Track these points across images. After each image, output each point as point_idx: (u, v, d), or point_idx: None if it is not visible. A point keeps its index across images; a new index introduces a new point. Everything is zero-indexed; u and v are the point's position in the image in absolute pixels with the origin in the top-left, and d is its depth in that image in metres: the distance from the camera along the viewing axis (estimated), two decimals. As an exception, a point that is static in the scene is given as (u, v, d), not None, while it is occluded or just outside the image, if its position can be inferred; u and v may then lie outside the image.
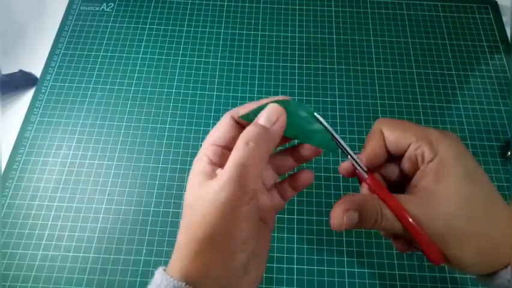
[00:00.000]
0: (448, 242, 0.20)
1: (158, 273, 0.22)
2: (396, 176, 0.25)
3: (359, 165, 0.23)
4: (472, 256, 0.21)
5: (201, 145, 0.40)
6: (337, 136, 0.23)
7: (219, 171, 0.22)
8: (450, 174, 0.21)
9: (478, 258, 0.21)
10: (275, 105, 0.22)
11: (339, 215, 0.21)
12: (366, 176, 0.23)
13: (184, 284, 0.20)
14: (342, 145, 0.23)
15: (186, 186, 0.23)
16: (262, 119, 0.22)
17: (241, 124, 0.24)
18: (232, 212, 0.20)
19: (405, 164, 0.23)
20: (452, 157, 0.21)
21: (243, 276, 0.22)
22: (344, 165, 0.25)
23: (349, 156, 0.24)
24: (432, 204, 0.20)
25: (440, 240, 0.20)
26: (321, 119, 0.23)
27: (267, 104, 0.23)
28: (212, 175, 0.22)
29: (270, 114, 0.22)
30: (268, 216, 0.24)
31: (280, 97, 0.24)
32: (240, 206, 0.20)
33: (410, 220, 0.20)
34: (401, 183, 0.25)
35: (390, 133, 0.23)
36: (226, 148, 0.23)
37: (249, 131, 0.21)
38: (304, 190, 0.38)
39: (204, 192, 0.21)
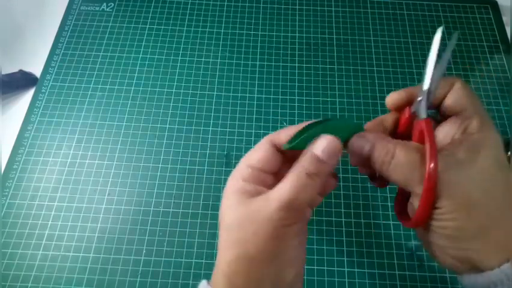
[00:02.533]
0: (454, 211, 0.20)
1: (203, 285, 0.23)
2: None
3: (426, 103, 0.22)
4: (473, 227, 0.20)
5: (200, 145, 0.41)
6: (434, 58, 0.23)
7: (273, 191, 0.22)
8: (486, 154, 0.21)
9: (477, 233, 0.20)
10: (335, 140, 0.22)
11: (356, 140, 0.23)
12: (424, 115, 0.22)
13: None
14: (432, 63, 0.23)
15: (223, 204, 0.23)
16: (320, 151, 0.22)
17: (276, 149, 0.24)
18: (285, 230, 0.21)
19: (447, 124, 0.23)
20: (494, 144, 0.21)
21: None
22: (395, 97, 0.25)
23: (426, 85, 0.23)
24: (457, 168, 0.20)
25: (448, 208, 0.20)
26: None
27: (311, 129, 0.23)
28: (254, 193, 0.22)
29: (331, 149, 0.22)
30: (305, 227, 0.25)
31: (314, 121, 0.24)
32: (293, 225, 0.21)
33: (435, 175, 0.20)
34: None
35: (461, 89, 0.23)
36: (262, 170, 0.23)
37: (310, 164, 0.22)
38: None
39: (254, 209, 0.21)
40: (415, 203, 0.22)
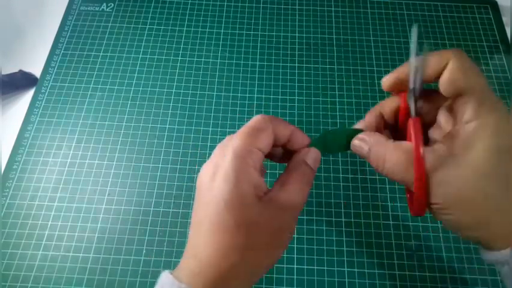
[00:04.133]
0: (451, 205, 0.20)
1: (166, 277, 0.22)
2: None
3: (414, 103, 0.22)
4: (469, 221, 0.20)
5: (200, 145, 0.41)
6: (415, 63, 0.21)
7: (283, 196, 0.22)
8: (484, 145, 0.19)
9: (476, 226, 0.20)
10: (318, 153, 0.25)
11: (357, 140, 0.24)
12: (413, 113, 0.22)
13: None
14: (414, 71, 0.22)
15: (219, 177, 0.21)
16: (311, 161, 0.24)
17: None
18: (289, 229, 0.23)
19: (443, 112, 0.22)
20: (494, 129, 0.19)
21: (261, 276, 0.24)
22: (391, 78, 0.24)
23: (412, 75, 0.22)
24: (448, 165, 0.20)
25: (443, 201, 0.20)
26: None
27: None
28: (256, 183, 0.22)
29: (318, 160, 0.25)
30: None
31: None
32: (295, 222, 0.23)
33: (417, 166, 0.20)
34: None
35: (455, 68, 0.21)
36: (263, 151, 0.23)
37: (309, 172, 0.24)
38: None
39: (267, 218, 0.21)
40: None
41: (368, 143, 0.24)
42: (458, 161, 0.20)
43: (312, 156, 0.24)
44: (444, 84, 0.21)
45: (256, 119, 0.23)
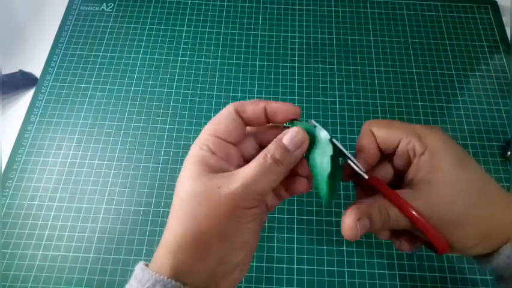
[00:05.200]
0: (450, 228, 0.21)
1: (140, 268, 0.21)
2: (390, 176, 0.25)
3: (358, 167, 0.23)
4: (474, 237, 0.21)
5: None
6: (335, 141, 0.23)
7: (237, 170, 0.21)
8: (442, 163, 0.22)
9: (478, 239, 0.22)
10: (302, 130, 0.23)
11: (352, 226, 0.21)
12: (366, 176, 0.23)
13: (166, 277, 0.20)
14: (340, 148, 0.23)
15: (180, 176, 0.22)
16: (287, 140, 0.22)
17: (242, 118, 0.24)
18: (242, 211, 0.21)
19: (398, 160, 0.24)
20: (442, 147, 0.22)
21: (230, 274, 0.22)
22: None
23: (348, 160, 0.23)
24: (430, 194, 0.21)
25: (442, 227, 0.21)
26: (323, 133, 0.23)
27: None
28: (215, 168, 0.22)
29: (297, 140, 0.22)
30: (264, 215, 0.25)
31: (294, 108, 0.24)
32: (251, 208, 0.21)
33: (414, 213, 0.21)
34: (396, 182, 0.25)
35: (380, 132, 0.24)
36: (226, 140, 0.23)
37: (276, 150, 0.22)
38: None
39: (214, 185, 0.21)
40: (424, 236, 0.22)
41: (364, 217, 0.22)
42: (434, 186, 0.21)
43: (289, 133, 0.22)
44: (383, 147, 0.24)
45: (221, 110, 0.24)
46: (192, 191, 0.21)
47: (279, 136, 0.23)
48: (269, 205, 0.25)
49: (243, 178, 0.21)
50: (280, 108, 0.23)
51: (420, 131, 0.23)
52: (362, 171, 0.23)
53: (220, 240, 0.21)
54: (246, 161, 0.24)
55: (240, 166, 0.22)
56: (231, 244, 0.21)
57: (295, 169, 0.24)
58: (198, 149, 0.22)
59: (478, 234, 0.21)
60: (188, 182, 0.21)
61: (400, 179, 0.25)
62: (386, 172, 0.25)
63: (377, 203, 0.22)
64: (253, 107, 0.23)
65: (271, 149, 0.22)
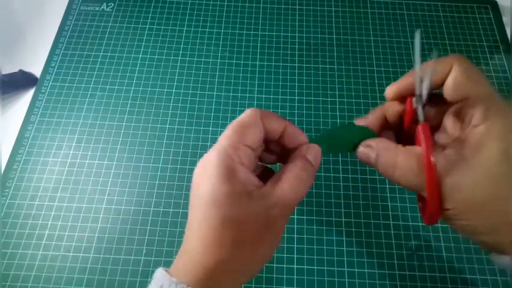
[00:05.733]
0: (463, 209, 0.20)
1: (160, 273, 0.22)
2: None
3: (421, 108, 0.22)
4: (483, 227, 0.20)
5: (200, 145, 0.41)
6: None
7: (273, 191, 0.22)
8: (494, 148, 0.19)
9: (489, 229, 0.20)
10: (319, 148, 0.24)
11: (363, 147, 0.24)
12: (421, 118, 0.22)
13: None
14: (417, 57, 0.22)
15: (210, 182, 0.21)
16: (312, 157, 0.23)
17: (265, 129, 0.24)
18: (280, 226, 0.22)
19: (449, 116, 0.22)
20: (504, 131, 0.19)
21: (256, 269, 0.23)
22: (395, 88, 0.24)
23: (418, 82, 0.22)
24: (461, 171, 0.20)
25: (454, 206, 0.20)
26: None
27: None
28: (244, 181, 0.21)
29: (318, 156, 0.24)
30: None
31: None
32: (287, 219, 0.23)
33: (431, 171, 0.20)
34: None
35: (459, 73, 0.21)
36: (251, 148, 0.23)
37: (309, 168, 0.23)
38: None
39: (254, 210, 0.21)
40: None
41: (375, 149, 0.23)
42: (469, 165, 0.20)
43: (313, 151, 0.24)
44: (448, 89, 0.22)
45: (245, 113, 0.23)
46: (229, 216, 0.20)
47: (303, 153, 0.24)
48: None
49: (283, 203, 0.21)
50: (296, 134, 0.24)
51: (494, 104, 0.20)
52: (421, 114, 0.22)
53: (253, 248, 0.22)
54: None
55: (254, 167, 0.23)
56: (263, 252, 0.22)
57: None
58: (228, 158, 0.21)
59: (489, 226, 0.20)
60: (223, 201, 0.20)
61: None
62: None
63: (391, 149, 0.22)
64: (276, 122, 0.24)
65: (305, 166, 0.23)
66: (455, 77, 0.21)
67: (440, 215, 0.21)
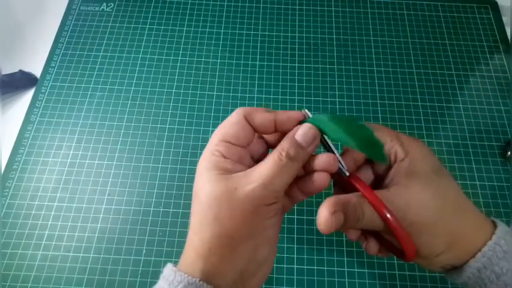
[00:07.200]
0: (420, 230, 0.22)
1: (170, 270, 0.22)
2: (370, 179, 0.26)
3: (342, 165, 0.24)
4: (441, 243, 0.22)
5: (200, 145, 0.41)
6: (326, 137, 0.24)
7: (253, 169, 0.22)
8: (420, 170, 0.23)
9: (445, 246, 0.22)
10: (313, 126, 0.23)
11: (327, 218, 0.21)
12: (347, 173, 0.24)
13: (198, 280, 0.20)
14: (329, 144, 0.24)
15: (197, 182, 0.23)
16: (300, 137, 0.23)
17: (250, 125, 0.24)
18: (264, 208, 0.21)
19: (379, 165, 0.25)
20: (421, 156, 0.24)
21: (258, 271, 0.23)
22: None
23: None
24: (405, 196, 0.22)
25: (412, 229, 0.22)
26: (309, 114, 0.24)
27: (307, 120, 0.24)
28: (231, 170, 0.22)
29: (309, 135, 0.23)
30: (283, 210, 0.25)
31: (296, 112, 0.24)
32: (271, 204, 0.22)
33: (388, 215, 0.21)
34: (374, 187, 0.25)
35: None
36: (236, 144, 0.23)
37: (291, 147, 0.22)
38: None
39: (232, 186, 0.21)
40: (394, 240, 0.24)
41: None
42: (407, 190, 0.22)
43: (301, 130, 0.23)
44: (362, 157, 0.26)
45: (231, 114, 0.24)
46: (211, 195, 0.21)
47: (291, 133, 0.23)
48: (285, 206, 0.26)
49: (260, 177, 0.21)
50: (290, 118, 0.24)
51: (404, 138, 0.24)
52: (344, 168, 0.24)
53: (247, 240, 0.21)
54: (256, 160, 0.24)
55: (250, 166, 0.22)
56: (257, 241, 0.22)
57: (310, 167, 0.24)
58: (210, 155, 0.23)
59: (445, 240, 0.22)
60: (206, 187, 0.22)
61: (378, 184, 0.25)
62: (366, 175, 0.26)
63: (353, 199, 0.22)
64: (261, 117, 0.23)
65: (285, 146, 0.22)
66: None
67: (414, 247, 0.22)
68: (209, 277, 0.21)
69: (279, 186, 0.22)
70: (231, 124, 0.23)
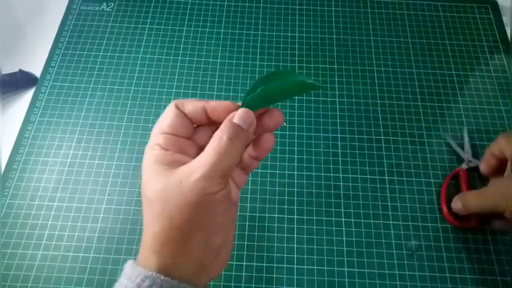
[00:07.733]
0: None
1: (129, 265, 0.22)
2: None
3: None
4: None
5: (200, 145, 0.41)
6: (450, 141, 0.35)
7: (195, 160, 0.22)
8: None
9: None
10: (249, 111, 0.23)
11: (455, 206, 0.36)
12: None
13: (155, 273, 0.20)
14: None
15: (143, 179, 0.23)
16: (238, 119, 0.23)
17: (184, 113, 0.24)
18: (209, 197, 0.21)
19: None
20: None
21: (217, 256, 0.23)
22: (485, 167, 0.37)
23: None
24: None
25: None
26: None
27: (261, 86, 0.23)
28: (173, 162, 0.22)
29: (246, 117, 0.23)
30: (234, 194, 0.25)
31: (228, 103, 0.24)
32: (217, 192, 0.21)
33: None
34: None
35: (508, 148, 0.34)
36: (175, 135, 0.23)
37: (231, 128, 0.22)
38: (305, 190, 0.38)
39: (175, 180, 0.21)
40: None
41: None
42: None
43: (239, 115, 0.23)
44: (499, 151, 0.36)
45: None
46: (156, 191, 0.22)
47: (228, 118, 0.23)
48: (237, 182, 0.26)
49: (202, 167, 0.21)
50: (219, 106, 0.23)
51: None
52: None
53: (197, 230, 0.21)
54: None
55: (196, 157, 0.22)
56: (208, 230, 0.22)
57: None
58: (150, 150, 0.23)
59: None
60: (151, 183, 0.22)
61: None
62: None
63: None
64: (191, 104, 0.24)
65: (224, 130, 0.22)
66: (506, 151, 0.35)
67: None
68: (166, 270, 0.21)
69: (222, 173, 0.21)
70: (164, 116, 0.24)
